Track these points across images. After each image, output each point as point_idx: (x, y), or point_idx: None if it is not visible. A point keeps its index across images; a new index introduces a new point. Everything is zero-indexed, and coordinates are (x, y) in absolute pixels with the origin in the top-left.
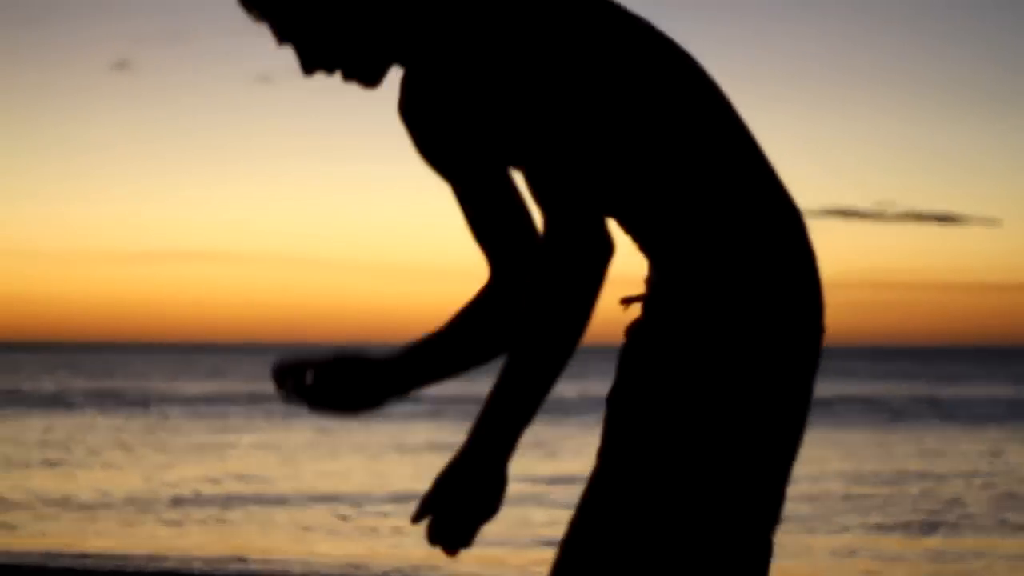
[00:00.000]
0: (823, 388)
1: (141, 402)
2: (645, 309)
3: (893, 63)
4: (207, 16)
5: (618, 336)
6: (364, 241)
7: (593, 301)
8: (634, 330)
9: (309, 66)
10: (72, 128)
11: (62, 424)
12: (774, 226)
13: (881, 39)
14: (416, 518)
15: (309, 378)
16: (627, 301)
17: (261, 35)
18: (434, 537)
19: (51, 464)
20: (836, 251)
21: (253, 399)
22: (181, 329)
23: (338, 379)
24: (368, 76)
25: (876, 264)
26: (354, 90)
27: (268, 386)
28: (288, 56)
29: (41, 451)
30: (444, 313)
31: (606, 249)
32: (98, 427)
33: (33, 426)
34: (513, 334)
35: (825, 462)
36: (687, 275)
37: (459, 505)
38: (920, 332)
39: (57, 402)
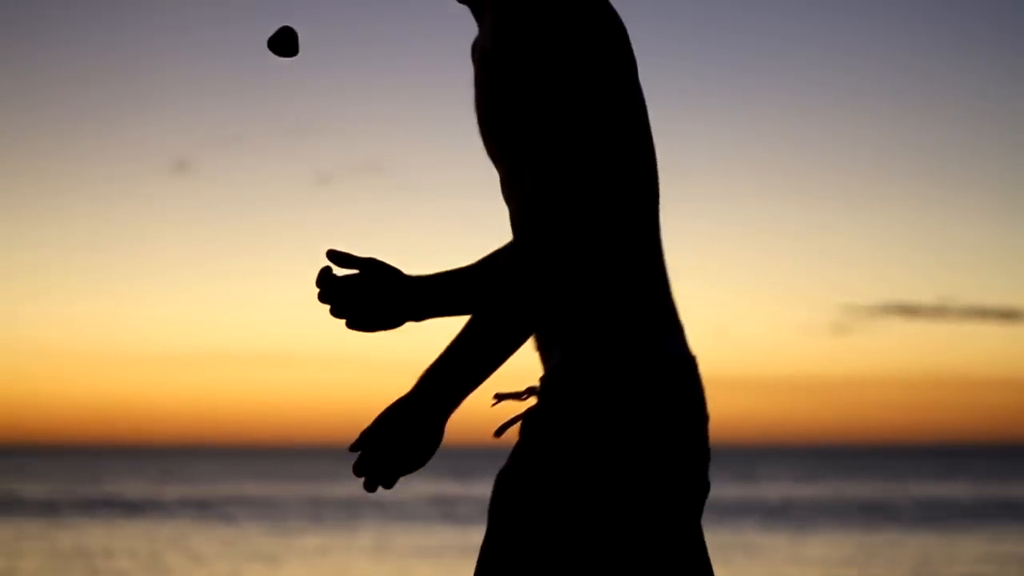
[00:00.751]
0: (886, 488)
1: (210, 506)
2: (540, 397)
3: (955, 157)
4: (264, 117)
5: None
6: (424, 344)
7: (551, 289)
8: (528, 416)
9: None
10: (130, 228)
11: (154, 533)
12: (667, 336)
13: (943, 133)
14: (352, 447)
15: (341, 273)
16: (500, 397)
17: (316, 134)
18: (359, 470)
19: None
20: (898, 348)
21: (315, 502)
22: (251, 431)
23: (367, 282)
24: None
25: (938, 360)
26: (409, 191)
27: (328, 488)
28: (344, 156)
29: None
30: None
31: (577, 243)
32: (187, 536)
33: (125, 534)
34: (479, 296)
35: (894, 566)
36: (582, 371)
37: (390, 446)
38: (982, 430)
39: (137, 509)
